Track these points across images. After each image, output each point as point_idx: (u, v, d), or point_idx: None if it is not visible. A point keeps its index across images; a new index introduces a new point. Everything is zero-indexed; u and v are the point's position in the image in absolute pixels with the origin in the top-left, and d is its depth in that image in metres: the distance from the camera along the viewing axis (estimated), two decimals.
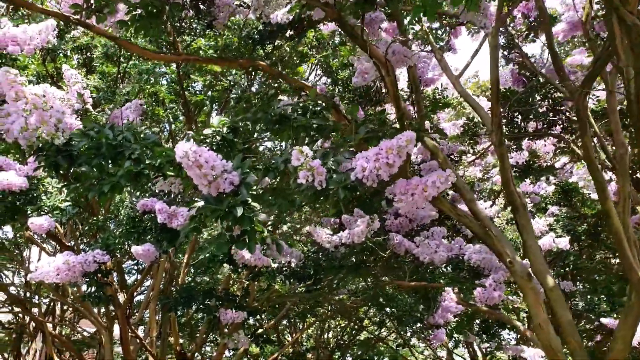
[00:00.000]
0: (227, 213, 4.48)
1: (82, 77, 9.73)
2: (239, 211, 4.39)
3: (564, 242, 11.53)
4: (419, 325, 14.98)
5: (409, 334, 19.93)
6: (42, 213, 9.28)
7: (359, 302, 16.58)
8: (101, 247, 9.21)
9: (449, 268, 9.98)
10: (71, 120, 5.12)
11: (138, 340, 13.74)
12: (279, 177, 5.03)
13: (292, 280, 10.44)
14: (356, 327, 20.91)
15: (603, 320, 11.29)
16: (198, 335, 14.43)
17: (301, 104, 5.52)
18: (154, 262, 9.78)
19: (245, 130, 5.54)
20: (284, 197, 5.00)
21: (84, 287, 14.73)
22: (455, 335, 14.70)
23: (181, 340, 14.54)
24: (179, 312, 15.29)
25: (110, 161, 4.87)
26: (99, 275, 9.44)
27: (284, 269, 10.71)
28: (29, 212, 9.32)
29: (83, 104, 9.67)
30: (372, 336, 22.10)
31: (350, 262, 9.82)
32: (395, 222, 10.32)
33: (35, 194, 9.44)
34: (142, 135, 4.92)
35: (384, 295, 14.62)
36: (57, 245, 12.83)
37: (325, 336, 22.02)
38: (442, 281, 9.42)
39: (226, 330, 10.84)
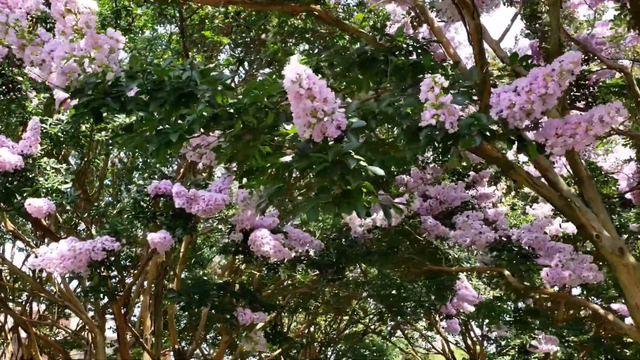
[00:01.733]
0: (333, 165, 3.45)
1: None
2: (352, 162, 3.37)
3: (571, 227, 10.74)
4: (429, 315, 14.21)
5: (409, 325, 19.24)
6: (41, 196, 8.05)
7: (360, 292, 15.73)
8: (109, 233, 8.05)
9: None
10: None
11: (134, 338, 12.52)
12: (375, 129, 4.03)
13: (312, 270, 9.40)
14: (350, 319, 19.98)
15: None
16: (197, 332, 13.25)
17: (387, 45, 4.51)
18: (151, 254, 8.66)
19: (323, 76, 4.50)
20: (384, 153, 3.98)
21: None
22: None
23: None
24: (177, 308, 14.16)
25: (173, 105, 3.79)
26: (107, 264, 8.30)
27: (302, 258, 9.70)
28: (24, 194, 8.08)
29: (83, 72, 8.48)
30: (364, 328, 21.22)
31: (381, 248, 8.85)
32: (425, 204, 9.39)
33: (31, 175, 8.21)
34: (211, 75, 3.84)
35: (393, 284, 13.76)
36: (46, 238, 11.55)
37: (312, 329, 20.99)
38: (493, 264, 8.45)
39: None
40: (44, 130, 8.66)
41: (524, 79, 3.43)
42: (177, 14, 10.29)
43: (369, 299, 17.72)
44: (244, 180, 8.01)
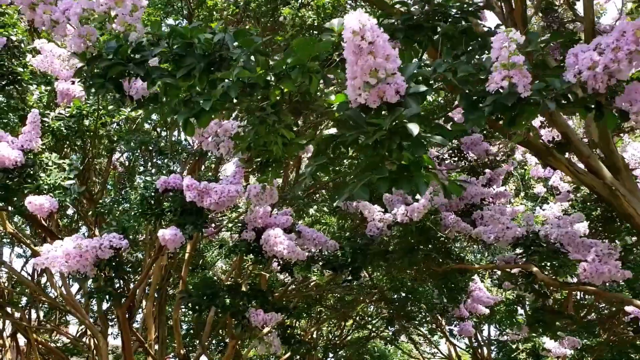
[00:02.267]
0: (390, 134, 3.00)
1: None
2: (414, 129, 2.92)
3: (582, 227, 10.31)
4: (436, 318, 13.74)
5: (415, 329, 18.73)
6: (43, 193, 7.55)
7: (368, 295, 15.24)
8: (116, 230, 7.56)
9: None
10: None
11: (137, 344, 12.01)
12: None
13: (328, 270, 8.91)
14: (352, 323, 19.45)
15: None
16: (202, 337, 12.72)
17: (435, 9, 4.06)
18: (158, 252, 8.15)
19: None
20: (437, 126, 3.52)
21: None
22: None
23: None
24: (181, 314, 13.68)
25: (203, 72, 3.33)
26: (113, 264, 7.80)
27: (317, 258, 9.23)
28: (25, 191, 7.59)
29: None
30: (367, 333, 20.67)
31: (401, 246, 8.38)
32: (443, 200, 8.93)
33: (32, 171, 7.71)
34: (245, 39, 3.38)
35: (404, 286, 13.31)
36: (48, 239, 11.03)
37: (315, 334, 20.39)
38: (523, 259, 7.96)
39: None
40: (46, 125, 8.19)
41: (608, 35, 2.99)
42: (185, 5, 9.86)
43: (371, 303, 17.27)
44: (260, 172, 7.51)
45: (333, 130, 3.33)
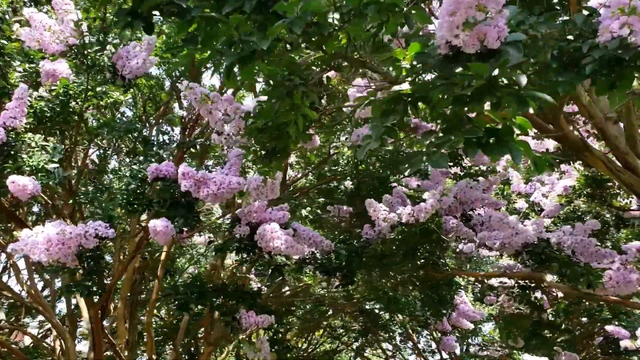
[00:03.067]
0: (491, 86, 2.48)
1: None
2: (523, 79, 2.40)
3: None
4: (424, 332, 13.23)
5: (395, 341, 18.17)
6: (25, 174, 6.80)
7: (349, 305, 14.66)
8: (103, 219, 6.85)
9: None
10: None
11: (109, 346, 11.18)
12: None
13: (321, 273, 8.32)
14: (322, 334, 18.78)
15: None
16: (176, 341, 11.94)
17: None
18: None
19: None
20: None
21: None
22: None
23: None
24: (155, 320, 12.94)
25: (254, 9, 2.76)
26: (96, 255, 7.09)
27: (308, 260, 8.64)
28: (5, 172, 6.83)
29: (80, 37, 7.32)
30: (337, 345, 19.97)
31: (402, 248, 7.86)
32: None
33: (13, 151, 6.98)
34: None
35: (385, 296, 12.75)
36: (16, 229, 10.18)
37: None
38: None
39: (242, 336, 8.52)
40: (27, 105, 7.46)
41: None
42: None
43: (346, 314, 16.66)
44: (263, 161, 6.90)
45: (405, 85, 2.79)
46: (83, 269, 7.37)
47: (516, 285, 9.29)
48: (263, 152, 6.08)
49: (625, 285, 6.13)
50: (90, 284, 7.44)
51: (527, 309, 9.47)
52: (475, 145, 2.61)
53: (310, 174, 10.89)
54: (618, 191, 11.28)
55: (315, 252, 8.54)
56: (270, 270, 8.50)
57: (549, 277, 7.06)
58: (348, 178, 9.42)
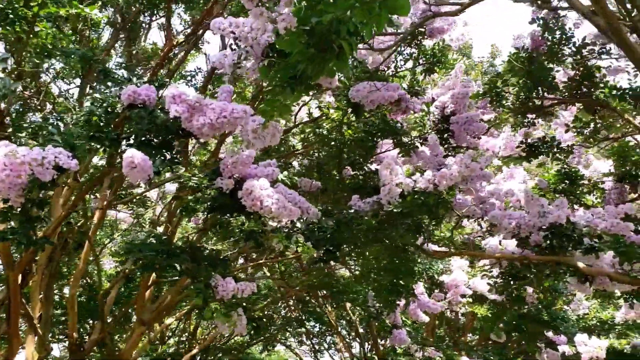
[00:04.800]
0: None
1: None
2: None
3: None
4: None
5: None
6: None
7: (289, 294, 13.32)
8: (64, 147, 5.16)
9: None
10: None
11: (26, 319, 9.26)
12: None
13: (310, 242, 6.95)
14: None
15: None
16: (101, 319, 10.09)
17: None
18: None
19: None
20: None
21: None
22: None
23: None
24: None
25: None
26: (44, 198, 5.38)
27: (289, 229, 7.26)
28: None
29: None
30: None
31: (407, 221, 6.66)
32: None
33: None
34: None
35: (338, 285, 11.57)
36: None
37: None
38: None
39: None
40: None
41: None
42: None
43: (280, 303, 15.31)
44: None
45: None
46: (22, 212, 5.63)
47: (500, 275, 8.39)
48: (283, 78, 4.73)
49: None
50: (31, 233, 5.69)
51: (507, 302, 8.57)
52: None
53: (292, 136, 9.51)
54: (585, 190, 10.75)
55: (295, 221, 7.19)
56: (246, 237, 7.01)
57: (581, 263, 6.11)
58: (332, 143, 8.14)
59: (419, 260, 10.08)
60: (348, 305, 14.27)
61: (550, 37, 9.50)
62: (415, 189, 6.40)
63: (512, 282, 8.22)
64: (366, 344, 15.66)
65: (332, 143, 8.06)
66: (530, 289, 8.80)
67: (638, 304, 10.08)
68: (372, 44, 6.90)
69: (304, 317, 14.78)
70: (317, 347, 16.54)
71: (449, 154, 8.62)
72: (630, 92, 9.47)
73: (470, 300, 12.56)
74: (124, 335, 11.33)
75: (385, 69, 9.32)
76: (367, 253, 8.05)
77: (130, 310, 11.19)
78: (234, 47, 5.36)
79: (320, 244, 7.20)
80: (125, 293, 10.64)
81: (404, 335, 11.38)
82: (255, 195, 6.16)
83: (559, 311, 12.08)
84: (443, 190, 6.32)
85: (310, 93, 8.49)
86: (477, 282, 12.20)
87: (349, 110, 7.74)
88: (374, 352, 14.97)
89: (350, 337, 16.74)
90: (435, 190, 6.27)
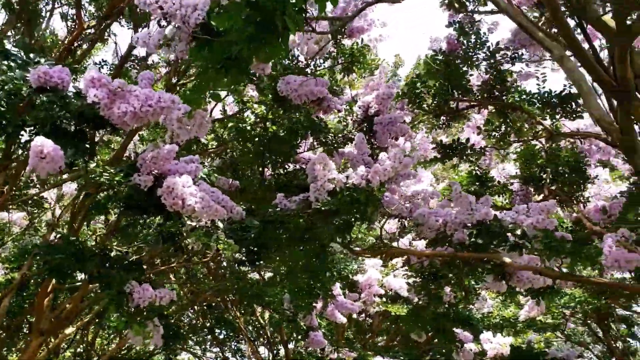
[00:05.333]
0: None
1: None
2: None
3: None
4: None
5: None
6: None
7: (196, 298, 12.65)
8: None
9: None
10: None
11: None
12: None
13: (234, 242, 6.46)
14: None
15: None
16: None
17: None
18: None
19: None
20: None
21: None
22: None
23: None
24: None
25: None
26: None
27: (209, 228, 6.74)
28: None
29: None
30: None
31: (336, 220, 6.36)
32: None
33: None
34: None
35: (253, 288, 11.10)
36: None
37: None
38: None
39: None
40: None
41: None
42: None
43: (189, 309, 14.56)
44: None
45: None
46: None
47: (419, 275, 8.31)
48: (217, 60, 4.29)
49: (624, 265, 5.28)
50: None
51: (425, 302, 8.50)
52: None
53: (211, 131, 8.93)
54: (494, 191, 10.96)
55: (216, 221, 6.70)
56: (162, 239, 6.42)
57: (508, 259, 6.06)
58: (256, 139, 7.70)
59: (335, 261, 9.82)
60: (258, 309, 13.82)
61: (465, 41, 9.63)
62: (348, 185, 6.12)
63: (431, 282, 8.15)
64: (274, 348, 15.28)
65: (256, 139, 7.62)
66: (447, 289, 8.78)
67: (543, 302, 10.35)
68: (316, 26, 6.56)
69: (211, 323, 14.12)
70: (222, 354, 15.87)
71: (372, 154, 8.45)
72: (538, 97, 9.78)
73: (384, 299, 12.53)
74: (19, 347, 10.24)
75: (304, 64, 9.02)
76: (292, 254, 7.67)
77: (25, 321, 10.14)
78: (163, 23, 4.84)
79: (243, 244, 6.76)
80: (18, 302, 9.59)
81: (321, 337, 11.10)
82: (177, 194, 5.64)
83: (464, 310, 12.30)
84: (374, 187, 6.09)
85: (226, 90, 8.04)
86: (391, 280, 12.18)
87: (274, 105, 7.37)
88: (284, 356, 14.61)
89: (258, 343, 16.23)
90: (367, 186, 6.02)
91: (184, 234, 6.32)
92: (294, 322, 11.06)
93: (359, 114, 8.49)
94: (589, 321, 16.72)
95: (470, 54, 9.66)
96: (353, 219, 6.36)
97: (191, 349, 16.10)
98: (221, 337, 15.78)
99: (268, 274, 12.14)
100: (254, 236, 6.74)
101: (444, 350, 14.39)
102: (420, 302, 8.36)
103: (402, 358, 12.79)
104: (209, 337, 15.19)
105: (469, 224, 6.39)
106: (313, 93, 7.01)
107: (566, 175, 10.75)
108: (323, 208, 6.38)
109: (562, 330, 16.53)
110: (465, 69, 9.67)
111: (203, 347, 16.21)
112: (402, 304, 12.32)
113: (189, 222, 6.17)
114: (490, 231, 6.21)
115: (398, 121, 7.96)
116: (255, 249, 6.86)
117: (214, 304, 13.51)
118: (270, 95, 7.30)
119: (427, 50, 9.92)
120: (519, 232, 6.26)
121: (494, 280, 7.86)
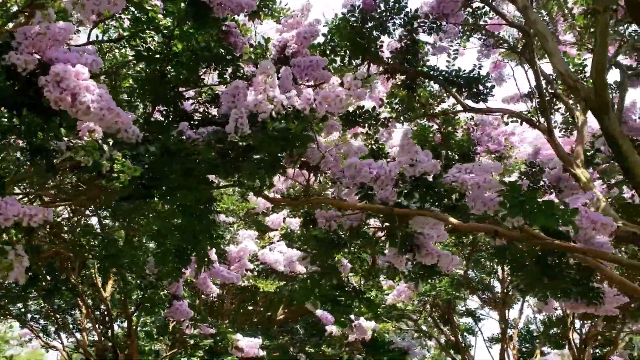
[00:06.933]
0: None
1: None
2: None
3: None
4: None
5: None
6: None
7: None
8: None
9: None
10: None
11: None
12: None
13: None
14: None
15: None
16: None
17: None
18: None
19: None
20: None
21: None
22: None
23: None
24: None
25: None
26: None
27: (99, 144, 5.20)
28: None
29: None
30: None
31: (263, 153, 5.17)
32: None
33: None
34: None
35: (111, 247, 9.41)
36: None
37: None
38: None
39: None
40: None
41: None
42: None
43: None
44: None
45: None
46: None
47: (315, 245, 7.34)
48: None
49: (602, 226, 4.68)
50: None
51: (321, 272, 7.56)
52: None
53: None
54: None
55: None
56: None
57: (454, 219, 5.27)
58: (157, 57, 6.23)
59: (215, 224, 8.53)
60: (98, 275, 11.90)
61: (382, 5, 8.89)
62: (287, 109, 4.95)
63: (327, 251, 7.23)
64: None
65: (157, 57, 6.14)
66: (344, 260, 7.92)
67: (421, 283, 9.92)
68: None
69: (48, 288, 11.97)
70: (58, 324, 13.69)
71: None
72: (444, 74, 9.30)
73: (256, 273, 11.42)
74: None
75: None
76: (173, 201, 6.31)
77: None
78: None
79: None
80: None
81: (186, 307, 9.71)
82: (69, 85, 4.13)
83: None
84: (312, 121, 5.01)
85: None
86: (267, 253, 11.12)
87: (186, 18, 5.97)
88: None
89: (97, 314, 14.16)
90: (310, 114, 4.92)
91: (63, 149, 4.74)
92: (154, 289, 9.54)
93: (273, 52, 7.34)
94: (434, 313, 16.94)
95: (385, 18, 8.94)
96: (280, 157, 5.20)
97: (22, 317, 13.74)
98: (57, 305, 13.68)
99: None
100: (148, 166, 5.33)
101: (298, 327, 13.64)
102: (315, 274, 7.35)
103: (260, 335, 11.82)
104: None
105: (408, 178, 5.53)
106: (241, 5, 5.75)
107: (456, 159, 10.49)
108: (241, 143, 5.16)
109: (416, 319, 16.52)
110: (377, 33, 8.94)
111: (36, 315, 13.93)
112: (275, 279, 11.34)
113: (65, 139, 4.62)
114: (430, 188, 5.41)
115: (320, 66, 6.91)
116: (145, 183, 5.44)
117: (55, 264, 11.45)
118: (182, 4, 5.90)
119: (343, 9, 9.03)
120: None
121: (395, 255, 7.14)
